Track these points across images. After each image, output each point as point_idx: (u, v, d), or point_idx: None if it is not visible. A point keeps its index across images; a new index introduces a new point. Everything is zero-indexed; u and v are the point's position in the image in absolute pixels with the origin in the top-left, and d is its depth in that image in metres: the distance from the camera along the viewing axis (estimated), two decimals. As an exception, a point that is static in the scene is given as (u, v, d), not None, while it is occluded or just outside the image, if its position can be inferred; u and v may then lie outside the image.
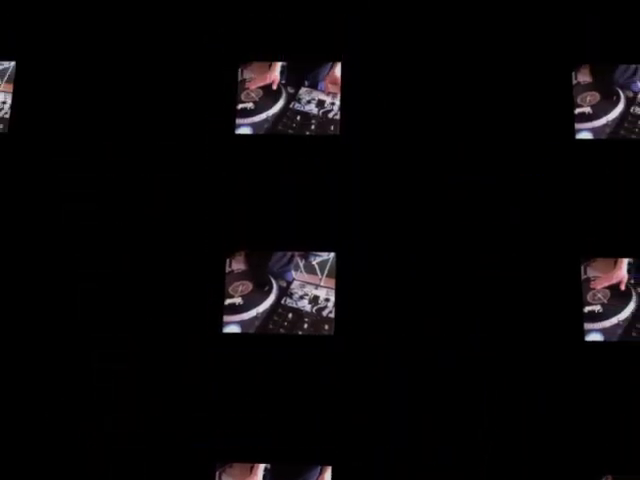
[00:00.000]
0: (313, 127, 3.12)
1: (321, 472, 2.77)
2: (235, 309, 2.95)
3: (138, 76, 3.17)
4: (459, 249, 3.00)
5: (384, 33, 3.16)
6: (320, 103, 3.15)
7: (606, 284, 2.89)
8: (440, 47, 3.14)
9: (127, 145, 3.10)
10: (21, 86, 3.22)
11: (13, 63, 3.25)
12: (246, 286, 2.97)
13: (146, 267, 2.97)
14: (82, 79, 3.17)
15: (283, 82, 3.17)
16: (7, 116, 3.21)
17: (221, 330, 2.91)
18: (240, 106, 3.15)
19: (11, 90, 3.23)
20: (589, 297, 2.88)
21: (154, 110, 3.13)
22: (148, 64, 3.18)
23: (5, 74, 3.26)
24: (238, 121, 3.13)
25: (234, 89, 3.15)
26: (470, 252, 3.00)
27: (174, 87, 3.16)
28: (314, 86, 3.16)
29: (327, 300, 2.94)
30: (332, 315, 2.91)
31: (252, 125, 3.15)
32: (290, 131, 3.12)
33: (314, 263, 2.97)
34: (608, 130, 3.04)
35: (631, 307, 2.86)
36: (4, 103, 3.23)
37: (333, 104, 3.14)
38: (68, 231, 3.03)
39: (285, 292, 2.96)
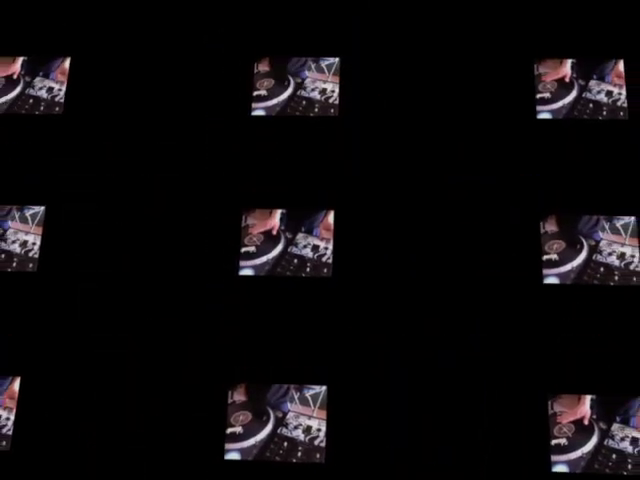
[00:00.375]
0: (308, 270, 3.48)
1: None
2: (235, 437, 3.25)
3: (148, 224, 3.55)
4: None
5: (372, 186, 3.55)
6: (315, 247, 3.50)
7: (571, 419, 3.16)
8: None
9: (135, 295, 3.45)
10: (50, 229, 3.61)
11: (43, 208, 3.66)
12: (246, 416, 3.28)
13: (152, 403, 3.29)
14: (103, 228, 3.57)
15: (282, 228, 3.54)
16: (36, 256, 3.59)
17: (223, 457, 3.23)
18: (243, 249, 3.50)
19: (40, 233, 3.63)
20: (555, 431, 3.15)
21: (163, 253, 3.50)
22: (156, 215, 3.55)
23: (36, 218, 3.67)
24: (241, 263, 3.49)
25: (238, 234, 3.53)
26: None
27: (184, 233, 3.53)
28: (310, 232, 3.53)
29: (319, 430, 3.25)
30: (323, 444, 3.22)
31: (254, 267, 3.50)
32: (288, 273, 3.46)
33: (307, 395, 3.29)
34: (573, 276, 3.35)
35: (594, 441, 3.12)
36: (34, 244, 3.62)
37: (326, 248, 3.50)
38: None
39: (281, 422, 3.26)
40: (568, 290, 3.31)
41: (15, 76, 3.86)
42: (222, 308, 3.40)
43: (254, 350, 3.35)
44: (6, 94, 3.83)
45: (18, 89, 3.84)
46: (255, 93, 3.72)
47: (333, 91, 3.71)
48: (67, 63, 3.84)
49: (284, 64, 3.75)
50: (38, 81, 3.85)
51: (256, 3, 3.83)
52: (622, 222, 3.39)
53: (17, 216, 3.63)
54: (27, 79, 3.85)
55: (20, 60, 3.87)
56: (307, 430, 3.24)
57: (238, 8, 3.83)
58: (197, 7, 3.83)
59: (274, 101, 3.73)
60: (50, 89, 3.84)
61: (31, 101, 3.82)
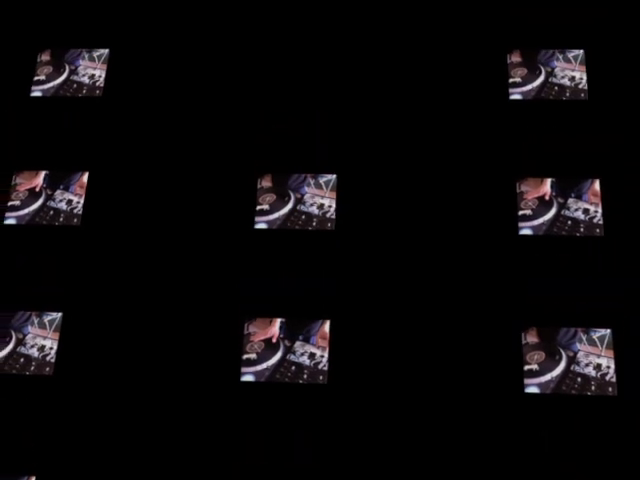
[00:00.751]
0: (305, 376, 3.70)
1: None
2: (235, 538, 3.47)
3: (156, 332, 3.80)
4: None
5: (366, 298, 3.79)
6: (311, 355, 3.74)
7: (550, 524, 3.36)
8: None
9: (144, 403, 3.68)
10: (66, 334, 3.85)
11: (60, 314, 3.90)
12: (245, 517, 3.49)
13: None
14: (115, 335, 3.83)
15: (282, 336, 3.78)
16: (53, 360, 3.85)
17: None
18: (245, 356, 3.76)
19: (57, 338, 3.87)
20: (535, 535, 3.35)
21: (170, 361, 3.74)
22: (164, 324, 3.79)
23: (53, 323, 3.92)
24: (243, 369, 3.72)
25: (240, 342, 3.76)
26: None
27: (190, 340, 3.78)
28: (307, 340, 3.77)
29: (313, 531, 3.45)
30: None
31: (255, 373, 3.73)
32: (286, 379, 3.70)
33: (303, 498, 3.50)
34: (552, 385, 3.56)
35: None
36: (51, 349, 3.88)
37: (322, 356, 3.74)
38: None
39: (278, 523, 3.47)
40: (548, 399, 3.52)
41: (37, 189, 4.14)
42: (224, 412, 3.63)
43: (253, 453, 3.57)
44: (29, 206, 4.12)
45: (40, 201, 4.12)
46: (258, 207, 4.01)
47: (330, 206, 3.99)
48: (85, 177, 4.14)
49: (285, 180, 4.06)
50: (58, 194, 4.12)
51: (260, 126, 4.14)
52: (598, 334, 3.60)
53: (36, 322, 3.90)
54: (48, 192, 4.13)
55: (42, 174, 4.15)
56: (302, 531, 3.44)
57: (242, 130, 4.14)
58: (203, 127, 4.14)
59: (275, 215, 3.99)
60: (69, 201, 4.13)
61: (51, 213, 4.08)
